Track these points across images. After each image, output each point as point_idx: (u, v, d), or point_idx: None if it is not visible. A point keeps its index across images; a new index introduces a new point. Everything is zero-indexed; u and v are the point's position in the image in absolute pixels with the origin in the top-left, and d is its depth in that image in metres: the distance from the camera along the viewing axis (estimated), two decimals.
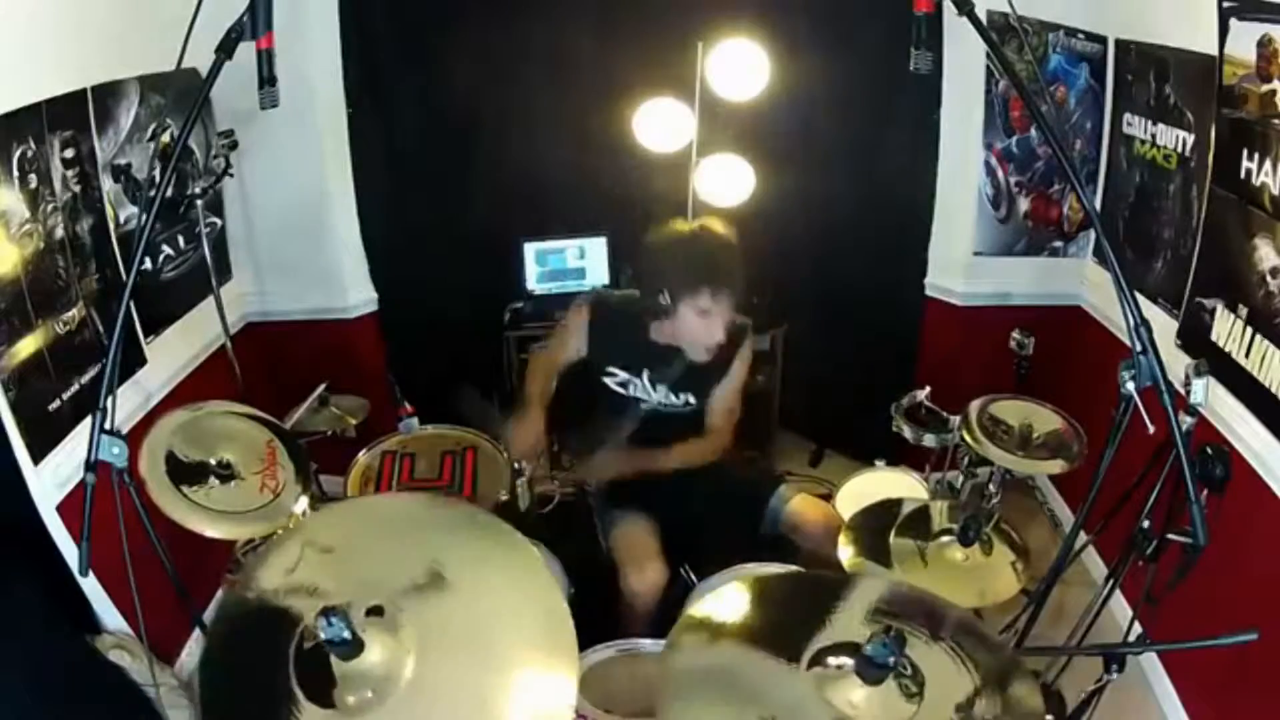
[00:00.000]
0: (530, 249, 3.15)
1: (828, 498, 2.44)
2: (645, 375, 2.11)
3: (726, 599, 1.28)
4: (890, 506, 1.94)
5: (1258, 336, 1.96)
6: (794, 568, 1.93)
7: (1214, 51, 2.05)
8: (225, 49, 1.47)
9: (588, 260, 3.18)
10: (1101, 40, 2.67)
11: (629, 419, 2.14)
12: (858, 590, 1.28)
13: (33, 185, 1.97)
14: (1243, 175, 1.99)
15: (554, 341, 2.24)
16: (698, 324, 1.96)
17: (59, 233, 2.08)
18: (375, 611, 1.11)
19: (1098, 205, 2.78)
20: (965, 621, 1.25)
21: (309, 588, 1.16)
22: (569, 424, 2.42)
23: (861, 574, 1.71)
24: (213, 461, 1.83)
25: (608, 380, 2.14)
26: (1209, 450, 1.67)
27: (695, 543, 2.11)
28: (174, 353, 2.59)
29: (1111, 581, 1.95)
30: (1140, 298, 1.43)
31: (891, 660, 1.04)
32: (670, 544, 2.14)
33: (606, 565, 2.10)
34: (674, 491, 2.13)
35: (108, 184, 2.27)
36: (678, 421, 2.16)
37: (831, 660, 1.13)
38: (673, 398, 2.13)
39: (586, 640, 1.68)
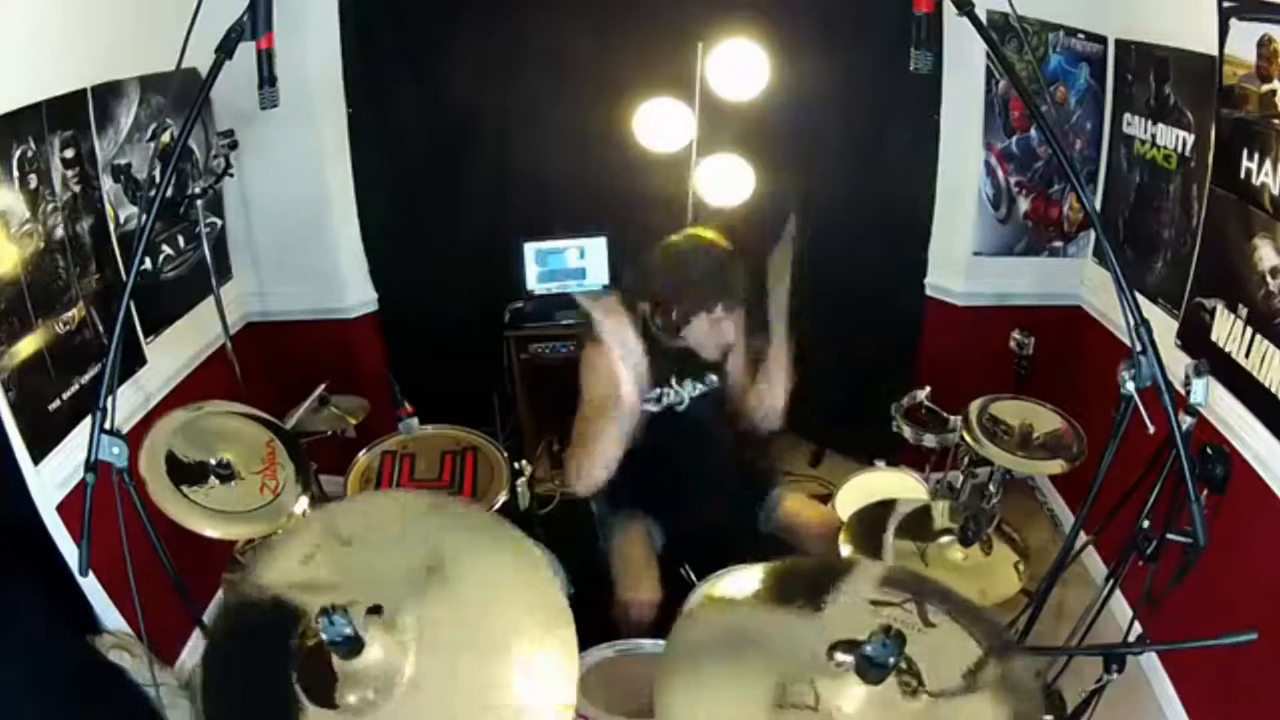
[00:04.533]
0: (530, 249, 3.14)
1: (828, 498, 2.44)
2: (673, 380, 2.09)
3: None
4: (890, 506, 1.94)
5: (1258, 336, 1.96)
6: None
7: (1214, 51, 2.05)
8: (225, 49, 1.47)
9: (588, 260, 3.18)
10: (1101, 40, 2.67)
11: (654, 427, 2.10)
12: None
13: (33, 185, 1.98)
14: (1243, 175, 1.99)
15: (592, 386, 2.01)
16: (711, 331, 1.99)
17: (59, 233, 2.08)
18: (375, 610, 1.11)
19: (1098, 205, 2.78)
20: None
21: (319, 583, 1.16)
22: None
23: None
24: (213, 461, 1.83)
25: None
26: (1209, 450, 1.66)
27: (695, 542, 2.10)
28: (174, 353, 2.59)
29: (1111, 581, 1.95)
30: (1140, 298, 1.43)
31: (891, 660, 1.04)
32: (670, 543, 2.15)
33: (606, 567, 2.10)
34: (675, 492, 2.13)
35: (108, 184, 2.27)
36: (713, 401, 2.15)
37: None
38: (700, 385, 2.13)
39: (586, 640, 1.69)
